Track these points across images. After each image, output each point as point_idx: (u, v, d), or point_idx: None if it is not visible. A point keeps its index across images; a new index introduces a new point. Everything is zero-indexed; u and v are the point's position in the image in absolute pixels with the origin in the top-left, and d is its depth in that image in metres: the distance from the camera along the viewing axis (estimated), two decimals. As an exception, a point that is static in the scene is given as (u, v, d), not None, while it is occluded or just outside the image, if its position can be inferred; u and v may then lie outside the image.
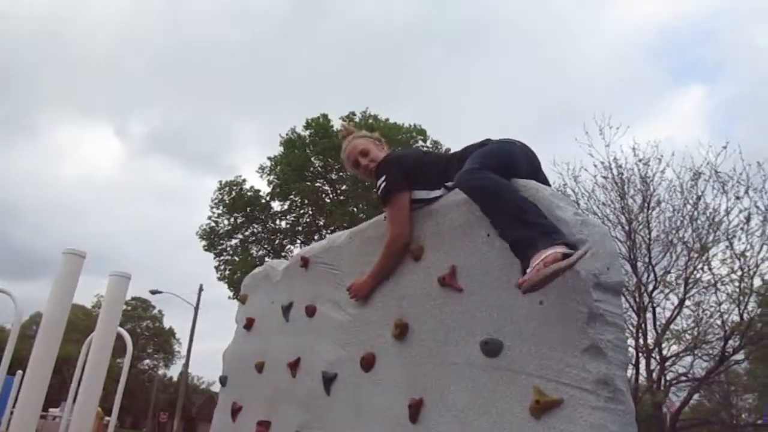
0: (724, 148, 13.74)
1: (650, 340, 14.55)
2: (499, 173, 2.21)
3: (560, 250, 1.88)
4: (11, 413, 12.88)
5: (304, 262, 3.24)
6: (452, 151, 2.77)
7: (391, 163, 2.73)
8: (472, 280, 2.29)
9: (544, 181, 2.43)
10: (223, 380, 3.68)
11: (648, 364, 14.58)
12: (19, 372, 12.87)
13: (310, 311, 3.08)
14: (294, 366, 3.06)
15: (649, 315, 14.71)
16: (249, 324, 3.61)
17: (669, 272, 14.56)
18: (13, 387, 12.85)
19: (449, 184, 2.48)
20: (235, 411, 3.41)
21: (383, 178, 2.66)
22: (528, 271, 1.91)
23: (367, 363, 2.62)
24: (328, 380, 2.80)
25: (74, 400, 13.19)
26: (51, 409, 24.59)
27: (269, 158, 24.86)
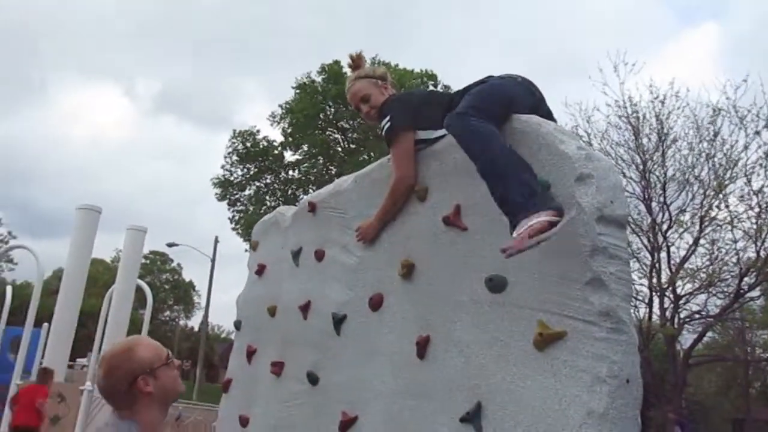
0: (744, 81, 13.40)
1: (664, 279, 14.59)
2: (495, 112, 2.18)
3: (546, 218, 1.90)
4: (40, 363, 13.36)
5: (312, 207, 3.26)
6: (456, 90, 2.72)
7: (395, 104, 2.70)
8: (476, 219, 2.30)
9: (548, 115, 2.39)
10: (237, 325, 3.76)
11: (661, 303, 14.68)
12: (45, 324, 13.25)
13: (319, 255, 3.12)
14: (305, 309, 3.11)
15: (663, 254, 14.71)
16: (260, 270, 3.66)
17: (684, 211, 14.46)
18: (40, 339, 13.28)
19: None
20: (250, 353, 3.50)
21: (387, 119, 2.64)
22: (514, 234, 1.94)
23: (375, 303, 2.66)
24: (338, 321, 2.85)
25: (99, 350, 13.65)
26: (78, 359, 25.43)
27: (280, 105, 24.69)
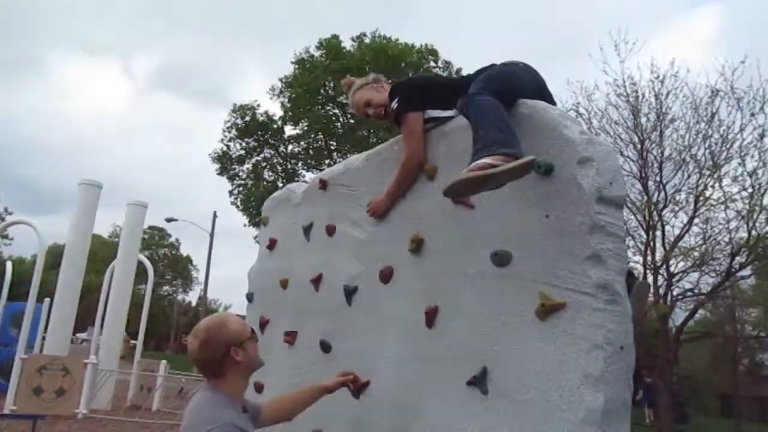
0: (742, 62, 13.48)
1: (658, 257, 14.81)
2: (502, 96, 2.32)
3: (489, 160, 2.05)
4: (43, 338, 13.55)
5: (323, 184, 3.40)
6: (461, 75, 2.86)
7: (402, 87, 2.85)
8: (483, 198, 2.44)
9: (550, 99, 2.53)
10: (249, 297, 3.93)
11: (655, 281, 14.92)
12: (47, 300, 13.40)
13: (330, 231, 3.27)
14: (317, 281, 3.28)
15: (658, 233, 14.91)
16: (271, 244, 3.82)
17: (680, 190, 14.63)
18: (42, 314, 13.43)
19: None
20: (263, 324, 3.67)
21: (395, 101, 2.78)
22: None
23: (386, 276, 2.82)
24: (350, 293, 3.02)
25: (101, 325, 13.84)
26: (78, 334, 25.65)
27: (280, 79, 24.63)
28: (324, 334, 3.12)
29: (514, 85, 2.40)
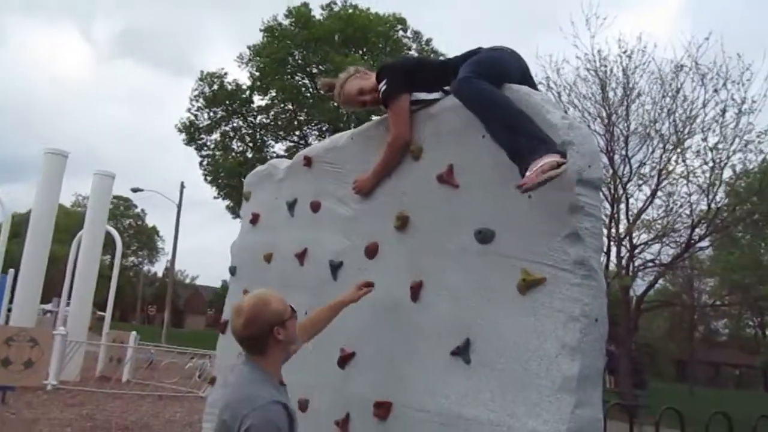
0: (707, 39, 13.80)
1: (622, 229, 15.26)
2: (492, 80, 2.41)
3: (556, 158, 2.13)
4: (8, 310, 13.36)
5: (308, 161, 3.46)
6: (447, 58, 2.94)
7: (390, 69, 2.91)
8: (467, 178, 2.55)
9: (532, 83, 2.64)
10: (232, 270, 3.99)
11: (618, 252, 15.39)
12: (11, 270, 13.16)
13: (315, 207, 3.35)
14: (301, 256, 3.36)
15: (622, 206, 15.33)
16: (254, 219, 3.87)
17: (644, 164, 15.01)
18: (6, 285, 13.21)
19: (447, 88, 2.67)
20: (247, 297, 3.75)
21: (383, 83, 2.84)
22: (527, 174, 2.15)
23: (371, 251, 2.92)
24: (335, 267, 3.11)
25: (69, 296, 13.68)
26: (42, 305, 25.20)
27: (249, 47, 24.21)
28: (309, 308, 3.21)
29: (502, 70, 2.49)
